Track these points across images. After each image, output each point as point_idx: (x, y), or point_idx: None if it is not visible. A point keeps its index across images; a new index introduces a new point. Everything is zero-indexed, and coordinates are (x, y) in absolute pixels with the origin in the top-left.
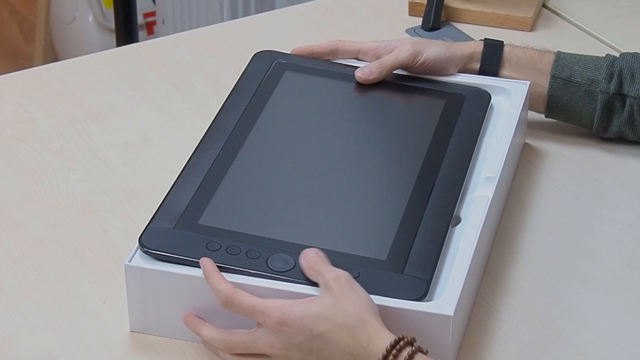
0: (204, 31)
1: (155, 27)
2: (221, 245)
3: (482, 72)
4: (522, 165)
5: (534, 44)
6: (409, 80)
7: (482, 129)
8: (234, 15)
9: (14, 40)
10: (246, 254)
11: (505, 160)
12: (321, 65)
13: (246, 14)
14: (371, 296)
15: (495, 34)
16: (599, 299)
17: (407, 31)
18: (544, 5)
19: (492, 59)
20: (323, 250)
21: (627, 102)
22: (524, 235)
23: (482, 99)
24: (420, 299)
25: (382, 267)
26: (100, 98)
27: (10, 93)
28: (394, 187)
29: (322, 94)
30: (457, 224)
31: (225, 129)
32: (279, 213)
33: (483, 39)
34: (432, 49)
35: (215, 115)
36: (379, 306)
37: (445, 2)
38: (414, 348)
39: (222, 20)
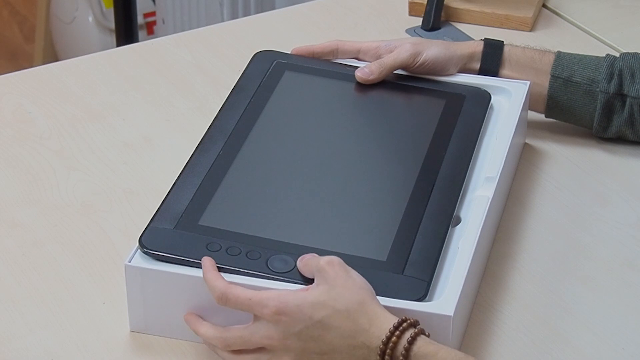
0: (204, 31)
1: (155, 27)
2: (221, 246)
3: (482, 72)
4: (522, 165)
5: (534, 44)
6: (409, 80)
7: (482, 129)
8: (234, 15)
9: (14, 40)
10: (246, 255)
11: (505, 160)
12: (321, 65)
13: (246, 14)
14: None
15: (495, 34)
16: (599, 299)
17: (407, 31)
18: (544, 5)
19: (492, 58)
20: (323, 250)
21: (627, 102)
22: (524, 235)
23: (482, 99)
24: (420, 299)
25: (382, 267)
26: (100, 98)
27: (10, 93)
28: (393, 188)
29: (322, 94)
30: (457, 224)
31: (226, 129)
32: (279, 214)
33: (483, 38)
34: (432, 49)
35: (215, 115)
36: None
37: (445, 2)
38: (417, 330)
39: (222, 20)
